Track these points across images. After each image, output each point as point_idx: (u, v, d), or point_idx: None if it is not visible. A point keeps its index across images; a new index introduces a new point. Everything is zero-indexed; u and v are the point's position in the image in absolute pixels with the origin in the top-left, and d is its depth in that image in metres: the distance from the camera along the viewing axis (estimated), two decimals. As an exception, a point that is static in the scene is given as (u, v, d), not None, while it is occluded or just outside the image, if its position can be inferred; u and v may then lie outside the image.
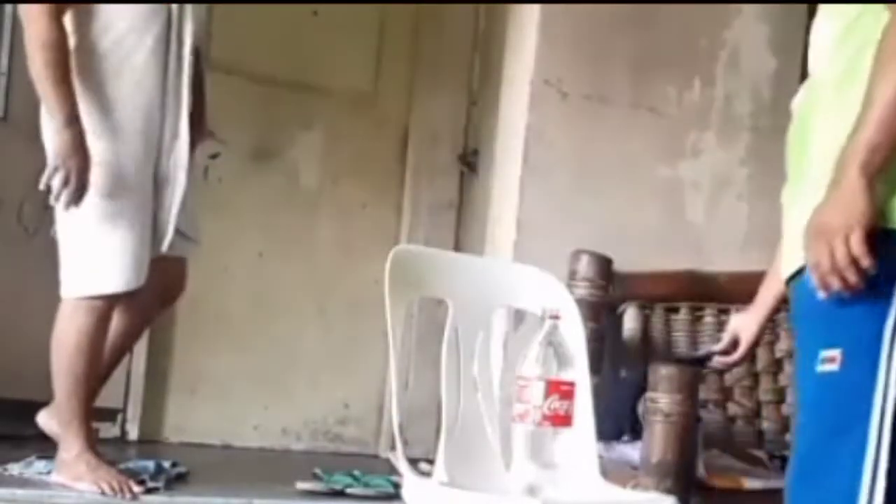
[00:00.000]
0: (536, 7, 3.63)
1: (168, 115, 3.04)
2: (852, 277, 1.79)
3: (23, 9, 3.00)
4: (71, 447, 3.02)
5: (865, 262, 1.78)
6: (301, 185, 4.28)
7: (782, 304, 2.44)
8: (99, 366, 3.10)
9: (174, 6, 3.03)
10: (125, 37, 2.99)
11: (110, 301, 3.04)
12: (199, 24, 3.09)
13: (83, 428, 3.04)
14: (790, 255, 1.98)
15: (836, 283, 1.80)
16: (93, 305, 3.01)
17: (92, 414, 3.14)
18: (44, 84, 2.92)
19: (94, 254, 2.99)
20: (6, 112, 4.17)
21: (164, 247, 3.06)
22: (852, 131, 1.83)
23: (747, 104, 3.84)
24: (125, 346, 3.29)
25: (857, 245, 1.78)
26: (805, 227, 1.85)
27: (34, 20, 2.91)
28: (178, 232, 3.09)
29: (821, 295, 1.83)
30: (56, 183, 2.87)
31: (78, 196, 2.88)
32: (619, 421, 2.94)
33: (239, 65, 4.08)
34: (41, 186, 2.90)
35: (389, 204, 4.36)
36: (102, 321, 3.04)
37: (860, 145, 1.81)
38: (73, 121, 2.90)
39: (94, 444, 3.09)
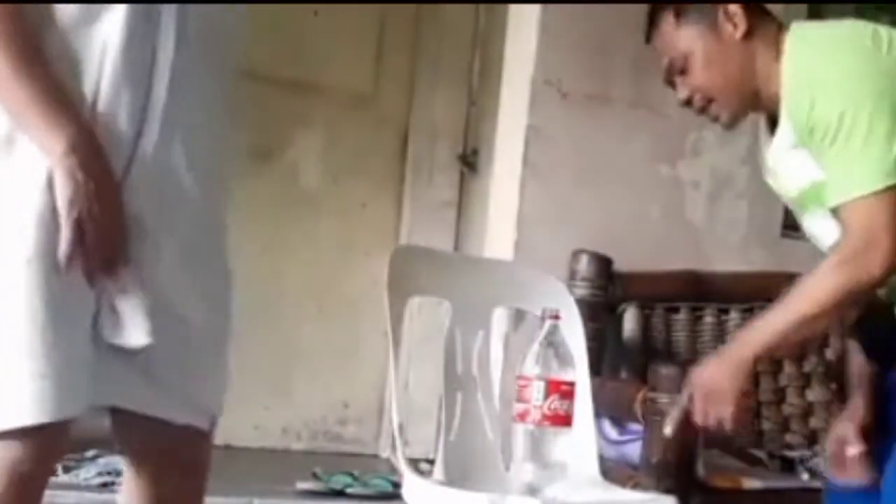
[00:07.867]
0: (536, 7, 3.63)
1: None
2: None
3: None
4: None
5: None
6: (301, 184, 4.27)
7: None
8: None
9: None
10: None
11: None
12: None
13: None
14: None
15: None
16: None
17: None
18: None
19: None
20: (6, 112, 4.16)
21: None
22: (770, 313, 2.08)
23: (747, 104, 3.83)
24: None
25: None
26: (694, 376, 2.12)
27: None
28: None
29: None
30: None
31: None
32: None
33: (239, 64, 4.07)
34: None
35: (389, 203, 4.36)
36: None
37: (766, 338, 2.07)
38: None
39: None
